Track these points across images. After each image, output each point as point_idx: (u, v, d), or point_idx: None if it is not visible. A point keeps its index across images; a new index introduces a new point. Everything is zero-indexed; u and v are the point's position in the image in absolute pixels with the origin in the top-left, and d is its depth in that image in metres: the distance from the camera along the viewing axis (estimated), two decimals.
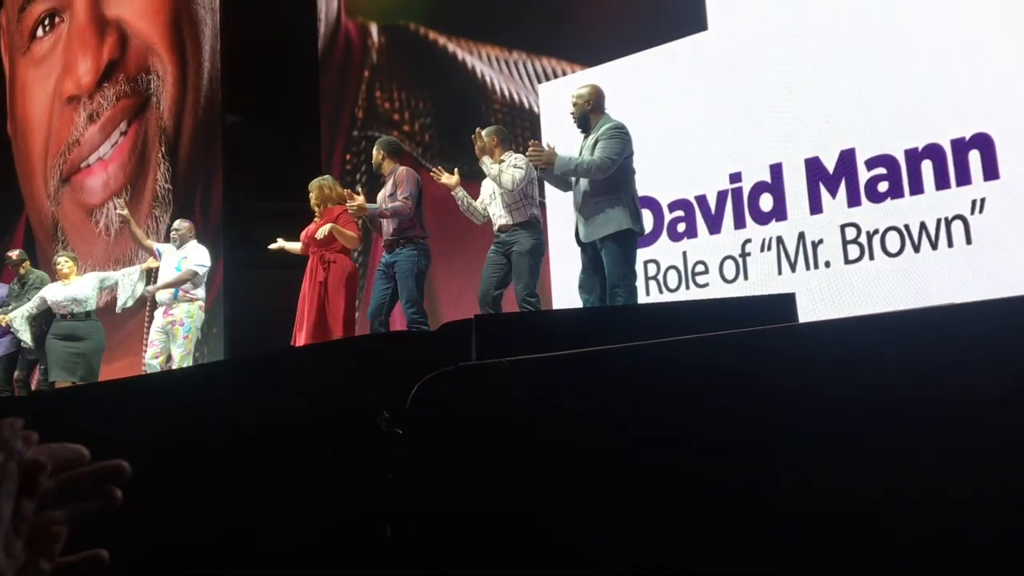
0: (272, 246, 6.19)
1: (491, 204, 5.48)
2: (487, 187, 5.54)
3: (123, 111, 10.14)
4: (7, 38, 11.57)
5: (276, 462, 2.40)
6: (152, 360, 6.75)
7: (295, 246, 6.08)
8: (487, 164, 5.34)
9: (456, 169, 5.68)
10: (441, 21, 7.96)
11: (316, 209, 5.99)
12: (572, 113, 5.06)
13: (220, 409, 2.71)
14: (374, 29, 8.49)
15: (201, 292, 6.91)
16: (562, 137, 5.26)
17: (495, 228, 5.46)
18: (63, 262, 7.36)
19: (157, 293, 6.86)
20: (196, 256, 6.90)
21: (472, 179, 5.86)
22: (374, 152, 5.92)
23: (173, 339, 6.71)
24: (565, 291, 6.07)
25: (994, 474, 1.39)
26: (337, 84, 8.75)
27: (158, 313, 6.89)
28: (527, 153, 4.98)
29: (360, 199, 5.66)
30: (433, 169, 5.71)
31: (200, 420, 2.68)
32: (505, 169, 5.33)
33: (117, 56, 10.16)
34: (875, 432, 1.48)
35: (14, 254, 7.95)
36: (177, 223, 7.13)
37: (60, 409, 3.77)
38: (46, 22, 10.93)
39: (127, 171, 10.05)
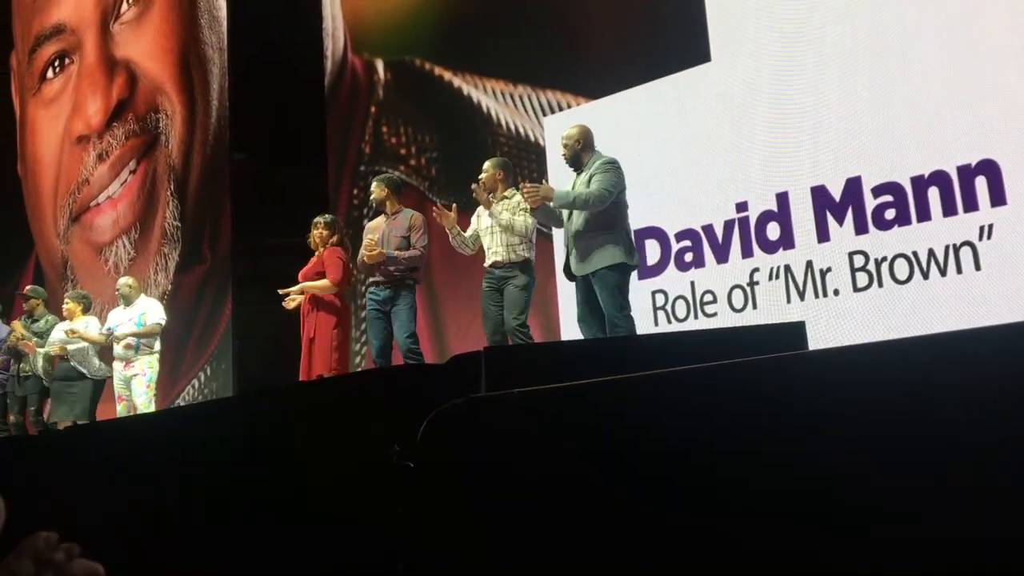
0: (291, 304, 6.05)
1: (486, 236, 5.47)
2: (484, 219, 5.54)
3: (132, 150, 10.23)
4: (18, 80, 11.71)
5: (287, 496, 2.39)
6: (125, 413, 6.95)
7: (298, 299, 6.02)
8: (497, 212, 5.35)
9: (454, 206, 5.64)
10: (446, 56, 8.03)
11: (316, 246, 6.01)
12: (563, 154, 5.15)
13: (232, 445, 2.70)
14: (380, 65, 8.57)
15: (159, 345, 7.26)
16: (566, 169, 5.29)
17: (488, 263, 5.44)
18: (66, 302, 7.50)
19: (115, 347, 7.11)
20: (154, 311, 7.28)
21: (470, 208, 5.87)
22: (375, 188, 5.92)
23: (134, 390, 6.95)
24: (574, 324, 6.07)
25: (1004, 499, 1.38)
26: (344, 120, 8.82)
27: (118, 366, 7.11)
28: (523, 193, 5.02)
29: (380, 249, 5.66)
30: (435, 209, 5.66)
31: (211, 455, 2.68)
32: (516, 214, 5.35)
33: (126, 96, 10.27)
34: (886, 459, 1.47)
35: (28, 288, 8.06)
36: (121, 281, 7.43)
37: (72, 447, 3.77)
38: (56, 63, 11.07)
39: (136, 209, 10.13)
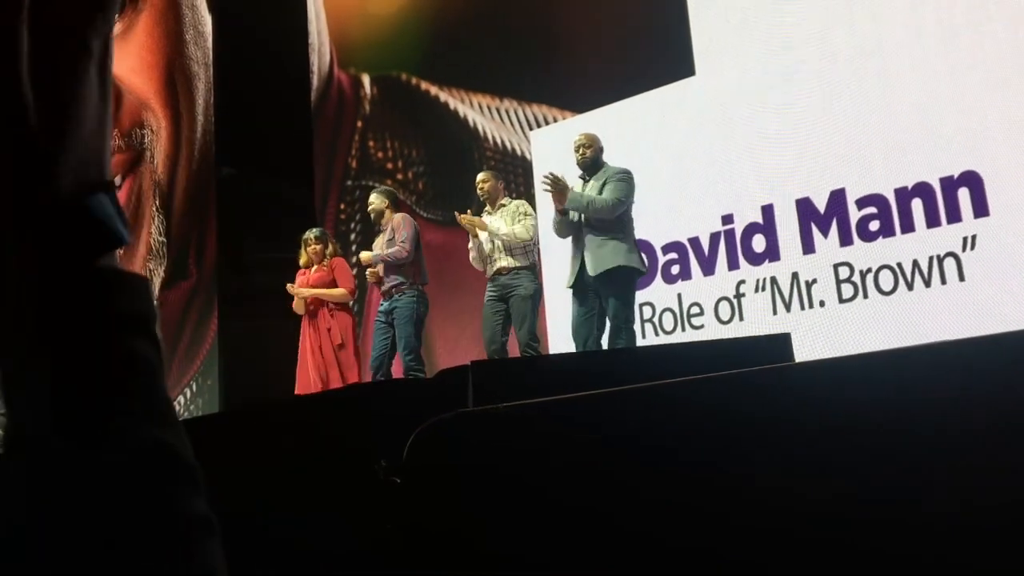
0: (300, 291, 5.97)
1: (488, 245, 5.46)
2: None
3: (117, 166, 10.19)
4: None
5: (271, 512, 2.37)
6: None
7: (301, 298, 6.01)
8: (495, 230, 5.33)
9: (469, 211, 5.56)
10: (432, 71, 8.05)
11: (317, 260, 5.98)
12: (583, 157, 5.09)
13: (218, 460, 2.68)
14: (366, 80, 8.58)
15: None
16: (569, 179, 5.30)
17: (491, 271, 5.42)
18: None
19: None
20: None
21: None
22: (377, 200, 5.93)
23: None
24: (561, 336, 6.07)
25: (990, 509, 1.39)
26: (330, 135, 8.82)
27: None
28: (543, 181, 4.97)
29: (372, 269, 5.70)
30: (463, 218, 5.48)
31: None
32: (516, 220, 5.35)
33: (112, 112, 10.24)
34: (873, 470, 1.48)
35: None
36: None
37: None
38: None
39: None
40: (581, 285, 4.97)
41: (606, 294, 4.85)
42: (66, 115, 0.64)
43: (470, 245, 5.51)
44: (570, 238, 5.10)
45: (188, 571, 0.66)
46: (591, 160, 5.09)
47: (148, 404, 0.69)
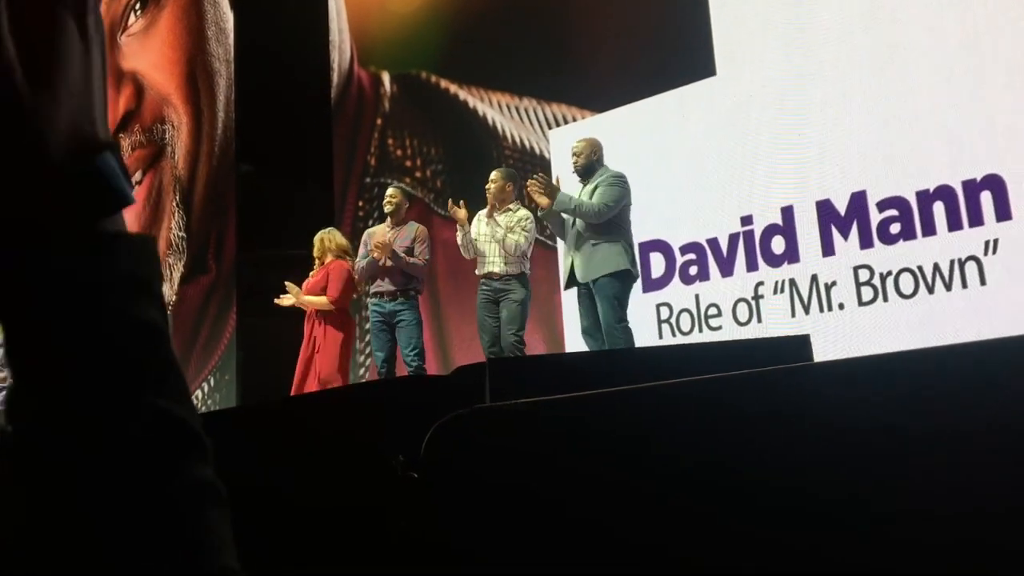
0: (286, 300, 6.01)
1: (484, 245, 5.46)
2: (482, 226, 5.55)
3: (138, 161, 10.26)
4: None
5: (287, 508, 2.38)
6: None
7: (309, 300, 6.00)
8: (496, 222, 5.37)
9: (463, 201, 5.63)
10: (452, 69, 8.06)
11: (316, 260, 6.01)
12: (577, 163, 5.20)
13: (234, 456, 2.70)
14: (386, 78, 8.60)
15: None
16: (571, 181, 5.31)
17: (483, 272, 5.44)
18: None
19: None
20: None
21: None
22: (398, 197, 5.95)
23: None
24: (579, 336, 6.07)
25: (1011, 513, 1.38)
26: (350, 132, 8.85)
27: None
28: (529, 184, 5.07)
29: (385, 242, 5.67)
30: (451, 208, 5.61)
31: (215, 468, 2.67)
32: (513, 231, 5.37)
33: (133, 107, 10.31)
34: (892, 472, 1.47)
35: None
36: None
37: None
38: None
39: (141, 220, 10.15)
40: (579, 287, 5.04)
41: (598, 297, 4.91)
42: (48, 70, 0.63)
43: (459, 234, 5.55)
44: (564, 239, 5.17)
45: (194, 545, 0.66)
46: (583, 167, 5.19)
47: (151, 373, 0.68)
